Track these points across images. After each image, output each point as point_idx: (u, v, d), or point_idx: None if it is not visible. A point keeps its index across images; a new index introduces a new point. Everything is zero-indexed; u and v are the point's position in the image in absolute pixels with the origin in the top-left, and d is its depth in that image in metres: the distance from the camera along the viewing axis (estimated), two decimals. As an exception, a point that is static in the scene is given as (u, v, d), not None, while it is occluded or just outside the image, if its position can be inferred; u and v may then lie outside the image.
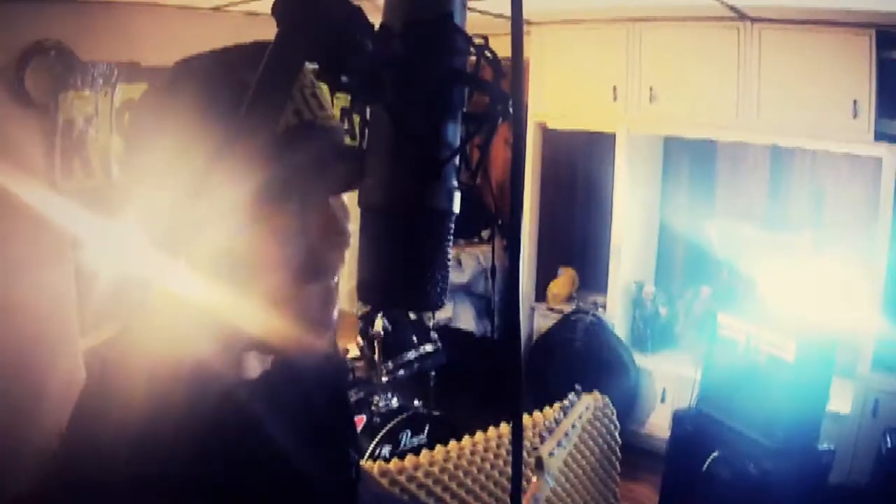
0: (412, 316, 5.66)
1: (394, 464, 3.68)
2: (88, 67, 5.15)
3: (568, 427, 3.02)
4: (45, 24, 4.91)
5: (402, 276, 1.14)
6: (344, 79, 1.15)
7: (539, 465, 2.71)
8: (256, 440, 1.30)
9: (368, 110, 1.18)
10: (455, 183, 1.15)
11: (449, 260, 1.17)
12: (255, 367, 1.40)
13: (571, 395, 3.28)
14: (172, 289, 1.27)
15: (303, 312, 1.30)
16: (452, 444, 3.89)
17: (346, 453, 1.60)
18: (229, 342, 1.32)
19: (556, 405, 3.38)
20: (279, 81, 1.10)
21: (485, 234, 7.77)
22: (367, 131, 1.18)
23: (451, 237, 1.17)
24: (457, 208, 1.16)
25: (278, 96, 1.10)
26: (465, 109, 1.17)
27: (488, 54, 1.15)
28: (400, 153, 1.12)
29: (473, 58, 1.15)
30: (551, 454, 2.84)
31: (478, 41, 1.16)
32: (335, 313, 1.37)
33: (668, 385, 6.33)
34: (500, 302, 7.36)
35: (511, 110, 1.14)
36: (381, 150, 1.14)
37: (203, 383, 1.25)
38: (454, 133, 1.15)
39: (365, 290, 1.17)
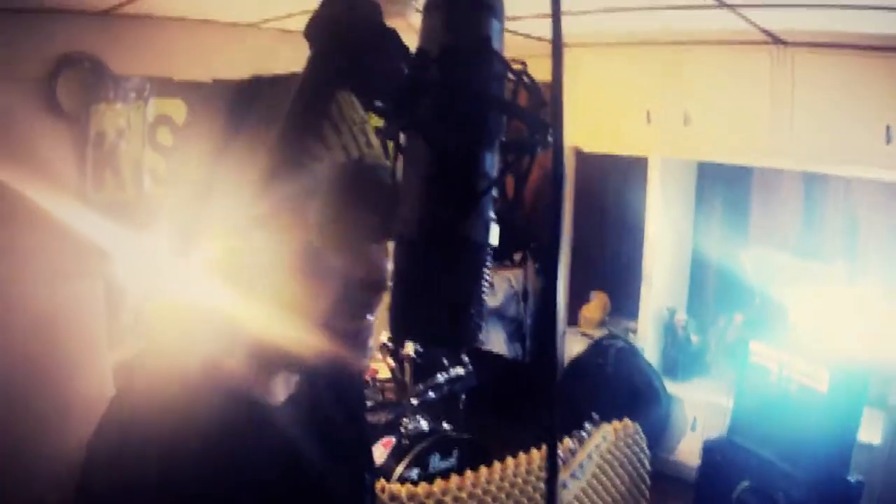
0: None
1: (422, 487, 3.66)
2: (121, 81, 5.19)
3: (583, 458, 3.00)
4: (79, 37, 4.96)
5: (436, 312, 1.10)
6: (378, 103, 1.15)
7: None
8: (283, 459, 1.31)
9: (403, 136, 1.16)
10: (492, 214, 1.12)
11: (485, 294, 1.13)
12: (281, 391, 1.40)
13: (588, 425, 3.26)
14: (206, 306, 1.27)
15: (340, 338, 1.29)
16: (482, 468, 3.87)
17: (362, 477, 1.61)
18: (262, 361, 1.32)
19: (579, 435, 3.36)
20: (312, 104, 1.11)
21: (517, 257, 7.72)
22: (400, 158, 1.16)
23: (488, 270, 1.13)
24: (494, 241, 1.12)
25: (312, 119, 1.11)
26: (502, 137, 1.14)
27: (527, 80, 1.13)
28: (435, 183, 1.08)
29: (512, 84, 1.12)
30: (564, 486, 2.82)
31: (516, 66, 1.14)
32: (371, 344, 1.35)
33: (699, 413, 6.27)
34: (531, 326, 7.34)
35: (550, 139, 1.10)
36: (416, 178, 1.11)
37: (232, 400, 1.26)
38: (492, 162, 1.11)
39: (397, 326, 1.13)
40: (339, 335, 1.28)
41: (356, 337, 1.31)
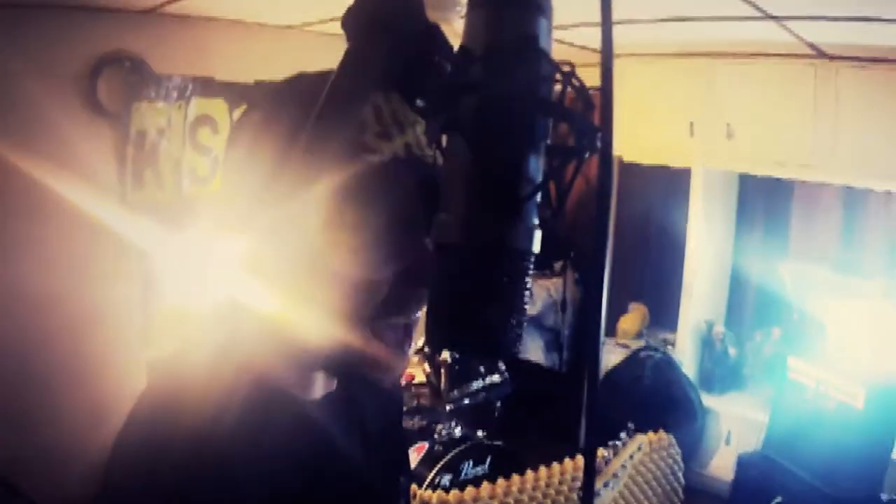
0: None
1: (453, 495, 3.66)
2: (162, 80, 5.22)
3: (617, 467, 2.99)
4: (120, 36, 5.00)
5: (474, 321, 1.06)
6: (420, 102, 1.13)
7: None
8: (317, 456, 1.30)
9: (445, 138, 1.11)
10: (535, 221, 1.07)
11: (526, 304, 1.09)
12: (318, 389, 1.39)
13: (623, 435, 3.25)
14: (246, 303, 1.27)
15: (381, 337, 1.28)
16: (514, 477, 3.86)
17: (397, 480, 1.60)
18: (301, 359, 1.31)
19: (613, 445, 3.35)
20: (348, 98, 1.09)
21: (557, 266, 7.70)
22: (443, 161, 1.11)
23: (530, 279, 1.09)
24: (537, 248, 1.07)
25: (346, 113, 1.09)
26: (548, 141, 1.10)
27: (576, 82, 1.09)
28: (477, 187, 1.04)
29: (558, 86, 1.09)
30: (598, 494, 2.81)
31: (564, 68, 1.09)
32: (412, 344, 1.34)
33: (734, 427, 6.23)
34: (569, 336, 7.32)
35: (599, 145, 1.05)
36: (458, 182, 1.07)
37: (266, 396, 1.25)
38: (536, 167, 1.07)
39: (434, 334, 1.09)
40: (378, 336, 1.27)
41: (395, 338, 1.30)
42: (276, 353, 1.29)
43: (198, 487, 1.13)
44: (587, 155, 1.08)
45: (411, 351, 1.34)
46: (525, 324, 1.09)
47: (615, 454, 3.08)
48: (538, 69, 1.06)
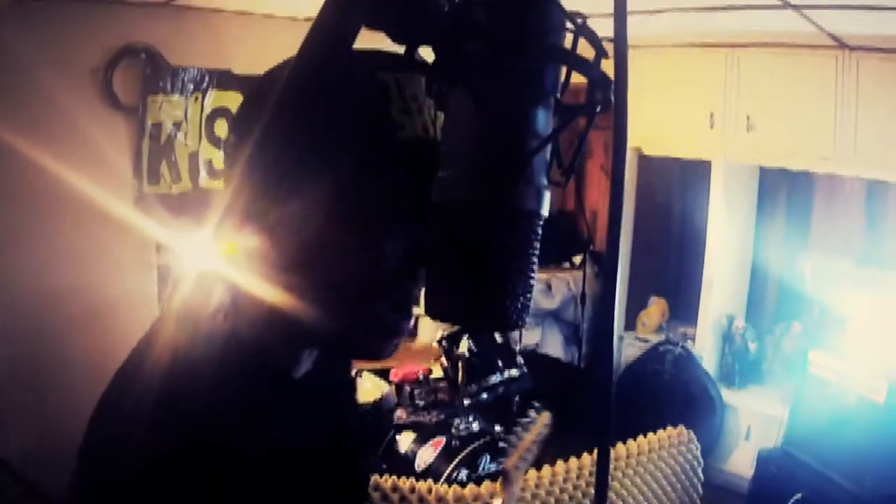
0: (498, 339, 5.56)
1: (469, 489, 3.64)
2: (178, 72, 5.23)
3: (529, 444, 2.95)
4: (136, 28, 5.00)
5: (478, 288, 0.99)
6: (418, 55, 1.07)
7: (506, 479, 2.64)
8: (279, 427, 1.29)
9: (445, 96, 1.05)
10: (545, 181, 1.02)
11: (534, 272, 1.03)
12: (304, 365, 1.36)
13: (532, 413, 3.21)
14: (232, 275, 1.25)
15: (373, 315, 1.24)
16: (532, 472, 3.84)
17: (355, 463, 1.58)
18: (296, 336, 1.29)
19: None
20: (328, 44, 1.00)
21: (576, 259, 7.67)
22: (444, 117, 1.05)
23: (538, 244, 1.02)
24: (545, 210, 1.01)
25: (322, 65, 1.01)
26: (558, 95, 1.03)
27: (588, 32, 1.02)
28: (482, 141, 0.98)
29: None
30: (517, 467, 2.77)
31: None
32: (409, 321, 1.29)
33: (753, 423, 6.19)
34: (588, 330, 7.29)
35: (612, 98, 0.99)
36: (460, 138, 1.01)
37: (247, 365, 1.24)
38: (545, 121, 1.01)
39: (434, 304, 1.04)
40: (371, 318, 1.24)
41: (387, 321, 1.25)
42: (271, 328, 1.26)
43: (163, 441, 1.12)
44: (599, 109, 1.02)
45: (408, 323, 1.29)
46: (532, 292, 1.03)
47: (524, 432, 3.04)
48: (547, 15, 1.00)
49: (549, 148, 1.03)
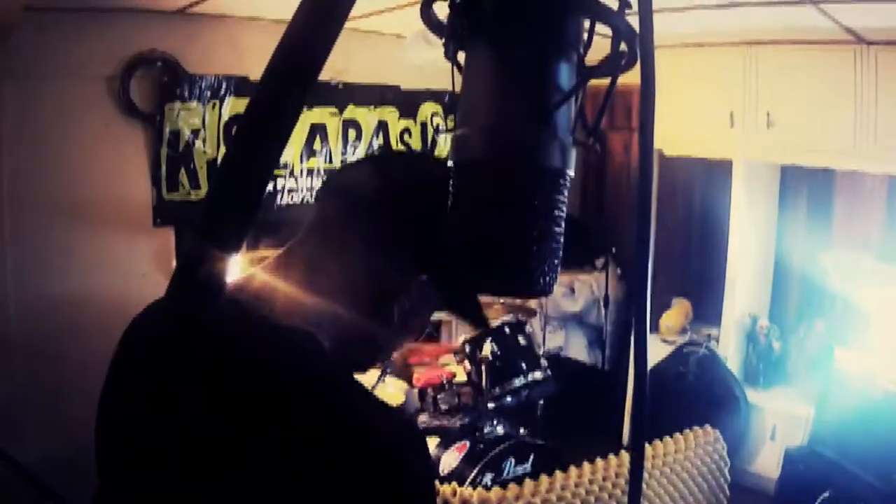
0: (521, 342, 5.54)
1: (494, 492, 3.63)
2: (196, 80, 5.26)
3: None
4: (152, 36, 5.03)
5: (501, 248, 0.95)
6: (434, 14, 1.05)
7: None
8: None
9: (462, 55, 1.01)
10: (570, 139, 0.97)
11: (560, 234, 0.98)
12: None
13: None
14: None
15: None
16: (557, 474, 3.83)
17: None
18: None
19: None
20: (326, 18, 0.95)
21: (598, 262, 7.64)
22: (462, 77, 1.01)
23: (564, 204, 0.98)
24: (571, 169, 0.97)
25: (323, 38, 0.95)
26: (581, 49, 1.00)
27: None
28: (502, 97, 0.95)
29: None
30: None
31: None
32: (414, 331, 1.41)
33: (779, 422, 6.15)
34: (612, 333, 7.27)
35: (638, 50, 0.97)
36: (479, 95, 0.97)
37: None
38: (568, 75, 0.97)
39: (451, 268, 1.00)
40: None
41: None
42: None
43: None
44: (624, 63, 0.99)
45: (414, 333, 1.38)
46: (559, 257, 0.99)
47: None
48: None
49: (573, 106, 1.00)
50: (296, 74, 0.95)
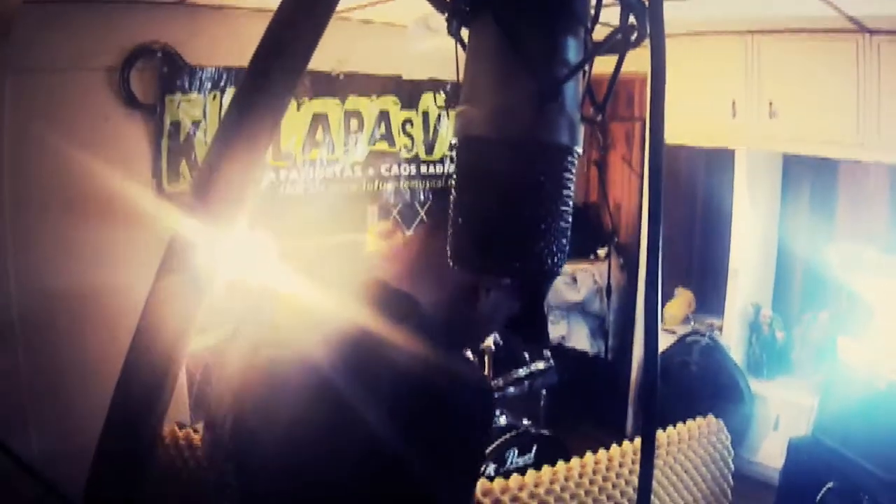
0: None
1: (497, 483, 3.62)
2: (196, 71, 5.25)
3: None
4: (152, 27, 5.01)
5: (508, 228, 0.93)
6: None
7: None
8: None
9: (467, 32, 0.99)
10: (578, 115, 0.95)
11: (568, 213, 0.96)
12: None
13: None
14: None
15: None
16: (560, 465, 3.82)
17: None
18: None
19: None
20: None
21: (601, 252, 7.63)
22: (467, 53, 0.99)
23: (572, 183, 0.96)
24: (579, 146, 0.95)
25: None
26: (588, 26, 0.99)
27: None
28: (508, 72, 0.93)
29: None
30: None
31: None
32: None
33: (782, 412, 6.16)
34: (614, 322, 7.26)
35: (648, 30, 0.96)
36: (484, 70, 0.95)
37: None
38: (576, 50, 0.96)
39: (460, 249, 0.97)
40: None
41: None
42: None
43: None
44: (633, 39, 0.97)
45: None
46: (567, 237, 0.97)
47: None
48: None
49: (580, 83, 0.98)
50: (282, 55, 0.92)
